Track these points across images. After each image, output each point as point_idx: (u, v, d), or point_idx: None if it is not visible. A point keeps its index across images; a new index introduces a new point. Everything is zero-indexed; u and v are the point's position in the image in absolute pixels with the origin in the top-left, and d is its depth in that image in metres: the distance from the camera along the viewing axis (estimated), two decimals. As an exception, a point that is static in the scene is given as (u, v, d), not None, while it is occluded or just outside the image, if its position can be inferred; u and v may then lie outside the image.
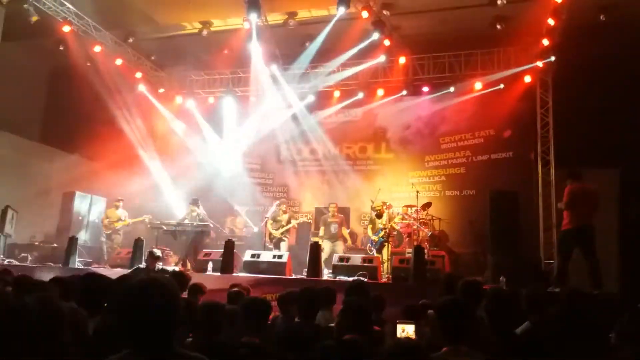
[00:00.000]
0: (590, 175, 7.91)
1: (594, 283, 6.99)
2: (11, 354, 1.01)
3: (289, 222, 10.74)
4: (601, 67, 10.21)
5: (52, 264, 9.61)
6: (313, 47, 11.91)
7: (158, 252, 7.65)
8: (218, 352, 3.00)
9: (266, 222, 10.64)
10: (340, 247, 10.36)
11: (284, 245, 10.69)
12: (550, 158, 11.27)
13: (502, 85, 11.67)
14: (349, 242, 10.80)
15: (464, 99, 12.13)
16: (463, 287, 3.37)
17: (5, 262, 9.26)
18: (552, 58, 10.82)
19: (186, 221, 10.34)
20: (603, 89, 10.34)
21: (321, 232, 10.69)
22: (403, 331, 2.93)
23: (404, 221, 10.82)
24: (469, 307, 2.74)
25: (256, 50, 11.92)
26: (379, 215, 10.02)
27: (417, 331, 3.17)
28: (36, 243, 11.68)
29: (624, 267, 9.40)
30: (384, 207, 10.16)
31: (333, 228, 10.55)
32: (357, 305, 3.08)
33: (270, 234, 10.66)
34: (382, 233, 9.84)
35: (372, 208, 10.43)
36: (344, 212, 12.16)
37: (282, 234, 10.64)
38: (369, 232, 10.22)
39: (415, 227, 10.84)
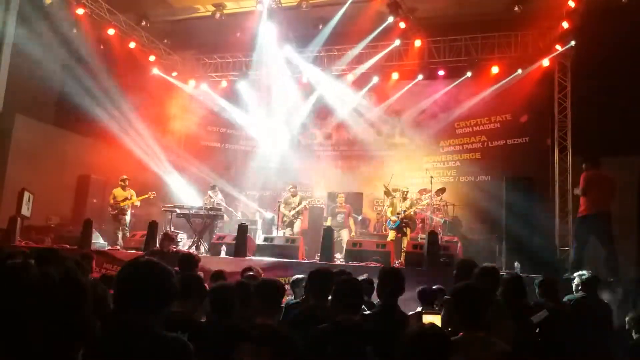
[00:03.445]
0: (609, 163, 7.77)
1: (609, 271, 6.91)
2: (34, 323, 1.01)
3: (300, 203, 10.95)
4: (621, 51, 9.95)
5: (68, 246, 9.70)
6: (327, 30, 11.78)
7: (172, 235, 7.69)
8: (232, 334, 3.00)
9: (279, 207, 10.83)
10: (345, 235, 10.67)
11: (297, 226, 10.88)
12: (568, 144, 11.06)
13: (519, 70, 11.44)
14: (354, 233, 11.10)
15: (480, 83, 11.93)
16: (481, 273, 3.32)
17: (23, 244, 9.36)
18: (572, 42, 10.57)
19: (203, 206, 10.42)
20: (623, 74, 10.08)
21: (328, 222, 10.92)
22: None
23: (419, 208, 10.79)
24: (485, 293, 2.70)
25: (270, 33, 11.81)
26: (405, 198, 10.12)
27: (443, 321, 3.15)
28: (52, 225, 11.80)
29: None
30: (407, 194, 10.32)
31: (340, 217, 10.95)
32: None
33: (284, 216, 10.81)
34: (402, 215, 9.85)
35: (387, 192, 10.50)
36: (357, 197, 12.20)
37: (293, 215, 10.85)
38: (388, 212, 10.24)
39: (428, 213, 10.81)
